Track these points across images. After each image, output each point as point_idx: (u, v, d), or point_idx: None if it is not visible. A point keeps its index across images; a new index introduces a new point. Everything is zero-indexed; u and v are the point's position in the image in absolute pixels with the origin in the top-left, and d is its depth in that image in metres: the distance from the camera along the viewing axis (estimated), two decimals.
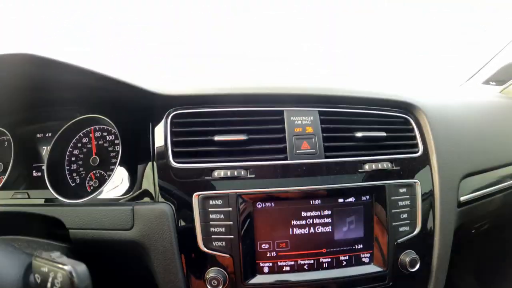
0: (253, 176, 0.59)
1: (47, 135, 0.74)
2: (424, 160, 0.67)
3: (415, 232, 0.64)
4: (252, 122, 0.64)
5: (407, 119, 0.70)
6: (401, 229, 0.63)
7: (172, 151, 0.61)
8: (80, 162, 0.72)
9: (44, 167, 0.69)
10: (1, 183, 0.72)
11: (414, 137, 0.69)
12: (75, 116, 0.71)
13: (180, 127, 0.63)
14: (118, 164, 0.65)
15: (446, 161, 0.68)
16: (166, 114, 0.63)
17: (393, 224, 0.62)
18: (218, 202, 0.58)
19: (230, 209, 0.57)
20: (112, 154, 0.71)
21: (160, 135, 0.62)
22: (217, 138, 0.61)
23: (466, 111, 0.83)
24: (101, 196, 0.64)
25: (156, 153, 0.62)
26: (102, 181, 0.70)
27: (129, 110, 0.69)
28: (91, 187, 0.71)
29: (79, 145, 0.73)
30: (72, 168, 0.72)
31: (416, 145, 0.68)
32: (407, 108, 0.71)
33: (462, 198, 0.70)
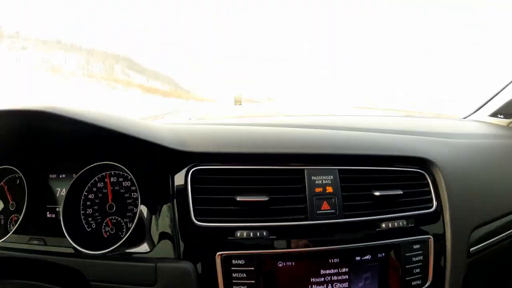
0: (275, 237, 0.62)
1: (60, 176, 0.74)
2: (437, 215, 0.70)
3: (426, 285, 0.67)
4: (273, 182, 0.66)
5: (423, 174, 0.72)
6: (413, 283, 0.66)
7: (194, 208, 0.63)
8: (96, 207, 0.72)
9: (60, 210, 0.69)
10: (16, 225, 0.71)
11: (429, 192, 0.71)
12: (90, 160, 0.71)
13: (201, 183, 0.65)
14: (138, 217, 0.65)
15: (458, 215, 0.71)
16: (186, 169, 0.65)
17: (406, 279, 0.65)
18: (241, 261, 0.60)
19: (252, 268, 0.60)
20: (129, 201, 0.71)
21: (181, 191, 0.64)
22: (239, 198, 0.63)
23: (477, 158, 0.84)
24: (121, 248, 0.65)
25: (177, 209, 0.64)
26: (118, 227, 0.71)
27: (148, 160, 0.70)
28: (108, 233, 0.71)
29: (94, 189, 0.73)
30: (87, 212, 0.72)
31: (430, 200, 0.71)
32: (423, 163, 0.73)
33: (472, 249, 0.73)
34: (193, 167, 0.66)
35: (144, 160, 0.70)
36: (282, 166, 0.67)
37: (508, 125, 1.14)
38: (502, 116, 1.16)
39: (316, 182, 0.66)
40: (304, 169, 0.67)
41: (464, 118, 1.31)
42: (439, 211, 0.70)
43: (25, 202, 0.71)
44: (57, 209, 0.72)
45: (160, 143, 0.63)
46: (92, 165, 0.71)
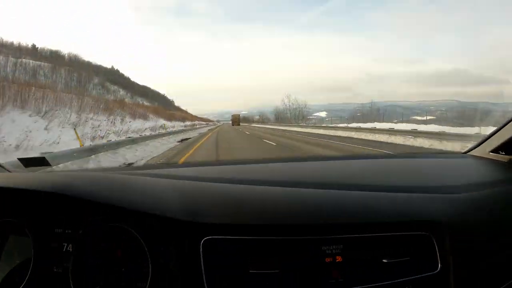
0: None
1: (66, 231, 0.74)
2: (441, 276, 0.71)
3: None
4: (285, 253, 0.68)
5: (429, 237, 0.73)
6: None
7: (207, 277, 0.65)
8: (103, 268, 0.71)
9: (68, 266, 0.70)
10: (25, 281, 0.70)
11: (435, 254, 0.72)
12: (98, 218, 0.73)
13: (213, 253, 0.67)
14: (149, 280, 0.67)
15: (463, 276, 0.72)
16: (198, 240, 0.68)
17: None
18: None
19: None
20: (138, 262, 0.70)
21: (194, 259, 0.67)
22: (251, 270, 0.66)
23: (483, 215, 0.83)
24: None
25: (187, 280, 0.66)
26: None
27: (158, 228, 0.72)
28: None
29: (102, 247, 0.72)
30: (95, 269, 0.71)
31: (435, 262, 0.71)
32: (429, 226, 0.74)
33: None
34: (205, 237, 0.68)
35: (154, 227, 0.71)
36: (294, 236, 0.70)
37: (509, 161, 1.17)
38: (503, 153, 1.18)
39: (327, 251, 0.69)
40: (315, 239, 0.70)
41: (465, 153, 1.34)
42: (444, 272, 0.70)
43: (32, 257, 0.72)
44: (65, 265, 0.70)
45: (170, 216, 0.69)
46: (100, 226, 0.72)
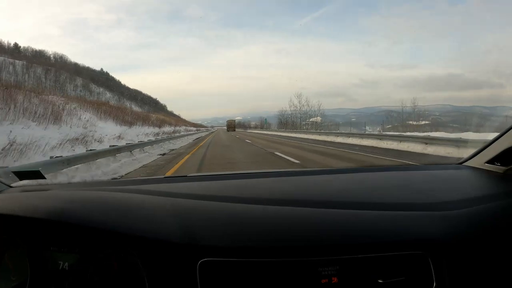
0: None
1: (62, 250, 0.74)
2: None
3: None
4: (281, 275, 0.68)
5: (425, 256, 0.72)
6: None
7: None
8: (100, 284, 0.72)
9: (66, 284, 0.71)
10: None
11: (430, 274, 0.71)
12: (94, 239, 0.74)
13: (209, 275, 0.67)
14: None
15: None
16: (194, 262, 0.68)
17: None
18: None
19: None
20: (135, 282, 0.71)
21: (189, 283, 0.67)
22: None
23: (479, 232, 0.82)
24: None
25: None
26: None
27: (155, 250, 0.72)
28: None
29: (98, 266, 0.72)
30: None
31: (430, 281, 0.71)
32: (425, 244, 0.74)
33: None
34: (202, 258, 0.68)
35: (150, 250, 0.72)
36: (290, 258, 0.70)
37: (504, 172, 1.16)
38: (499, 164, 1.18)
39: (322, 273, 0.69)
40: (311, 260, 0.70)
41: (460, 163, 1.34)
42: None
43: (28, 276, 0.73)
44: (62, 283, 0.72)
45: (166, 239, 0.70)
46: (96, 248, 0.73)
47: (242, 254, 0.69)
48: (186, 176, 1.32)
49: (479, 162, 1.24)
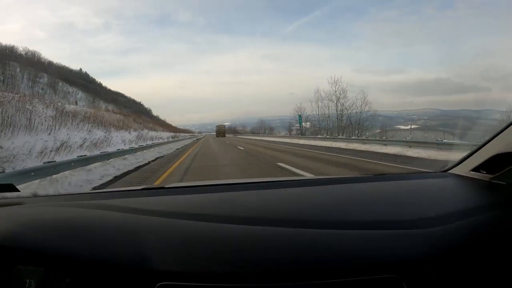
0: None
1: (28, 267, 0.73)
2: None
3: None
4: None
5: (399, 280, 0.69)
6: None
7: None
8: None
9: None
10: None
11: None
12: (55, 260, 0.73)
13: None
14: None
15: None
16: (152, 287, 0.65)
17: None
18: None
19: None
20: None
21: None
22: None
23: (459, 251, 0.79)
24: None
25: None
26: None
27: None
28: None
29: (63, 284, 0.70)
30: None
31: None
32: (400, 268, 0.71)
33: None
34: (159, 282, 0.66)
35: (104, 274, 0.70)
36: (254, 284, 0.67)
37: (490, 180, 1.15)
38: (484, 172, 1.16)
39: None
40: (280, 286, 0.67)
41: (445, 171, 1.32)
42: None
43: None
44: None
45: (118, 263, 0.68)
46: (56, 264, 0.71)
47: (204, 279, 0.66)
48: (163, 188, 1.28)
49: (465, 170, 1.22)
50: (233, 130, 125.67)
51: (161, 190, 1.25)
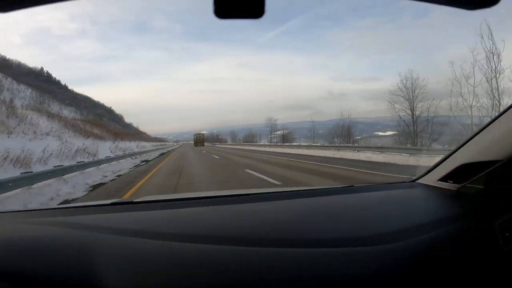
0: None
1: None
2: None
3: None
4: None
5: None
6: None
7: None
8: None
9: None
10: None
11: None
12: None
13: None
14: None
15: None
16: None
17: None
18: None
19: None
20: None
21: None
22: None
23: (421, 262, 0.79)
24: None
25: None
26: None
27: None
28: None
29: None
30: None
31: None
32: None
33: None
34: None
35: None
36: None
37: (458, 190, 1.16)
38: (451, 181, 1.18)
39: None
40: None
41: (413, 181, 1.33)
42: None
43: None
44: None
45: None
46: None
47: None
48: (132, 202, 1.25)
49: (432, 179, 1.24)
50: (215, 139, 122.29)
51: (131, 204, 1.22)
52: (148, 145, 40.12)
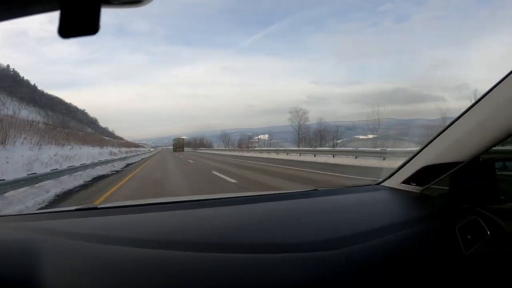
0: None
1: None
2: None
3: None
4: None
5: None
6: None
7: None
8: None
9: None
10: None
11: None
12: None
13: None
14: None
15: None
16: None
17: None
18: None
19: None
20: None
21: None
22: None
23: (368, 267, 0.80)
24: None
25: None
26: None
27: None
28: None
29: None
30: None
31: None
32: None
33: None
34: None
35: None
36: None
37: (421, 192, 1.18)
38: (414, 184, 1.19)
39: None
40: None
41: (378, 184, 1.35)
42: None
43: None
44: None
45: None
46: None
47: None
48: (96, 208, 1.24)
49: (396, 182, 1.26)
50: (198, 144, 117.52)
51: (93, 211, 1.21)
52: (106, 153, 29.22)
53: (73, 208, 1.22)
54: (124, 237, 0.87)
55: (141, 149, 70.73)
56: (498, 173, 1.16)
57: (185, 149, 76.41)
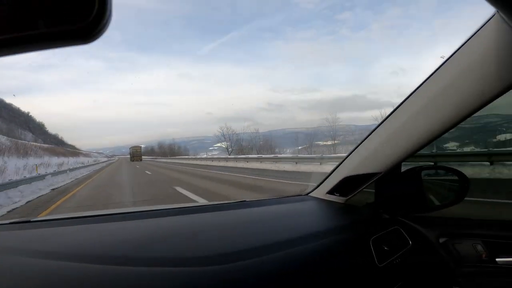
0: None
1: None
2: None
3: None
4: None
5: None
6: None
7: None
8: None
9: None
10: None
11: None
12: None
13: None
14: None
15: None
16: None
17: None
18: None
19: None
20: None
21: None
22: None
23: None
24: None
25: None
26: None
27: None
28: None
29: None
30: None
31: None
32: None
33: None
34: None
35: None
36: None
37: (345, 202, 1.24)
38: (338, 194, 1.25)
39: None
40: None
41: (306, 194, 1.40)
42: None
43: None
44: None
45: None
46: None
47: None
48: (29, 221, 1.20)
49: (322, 192, 1.31)
50: (159, 152, 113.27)
51: (28, 224, 1.18)
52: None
53: (7, 222, 1.19)
54: (51, 251, 0.86)
55: (91, 158, 60.02)
56: (432, 179, 1.24)
57: (144, 157, 73.52)
